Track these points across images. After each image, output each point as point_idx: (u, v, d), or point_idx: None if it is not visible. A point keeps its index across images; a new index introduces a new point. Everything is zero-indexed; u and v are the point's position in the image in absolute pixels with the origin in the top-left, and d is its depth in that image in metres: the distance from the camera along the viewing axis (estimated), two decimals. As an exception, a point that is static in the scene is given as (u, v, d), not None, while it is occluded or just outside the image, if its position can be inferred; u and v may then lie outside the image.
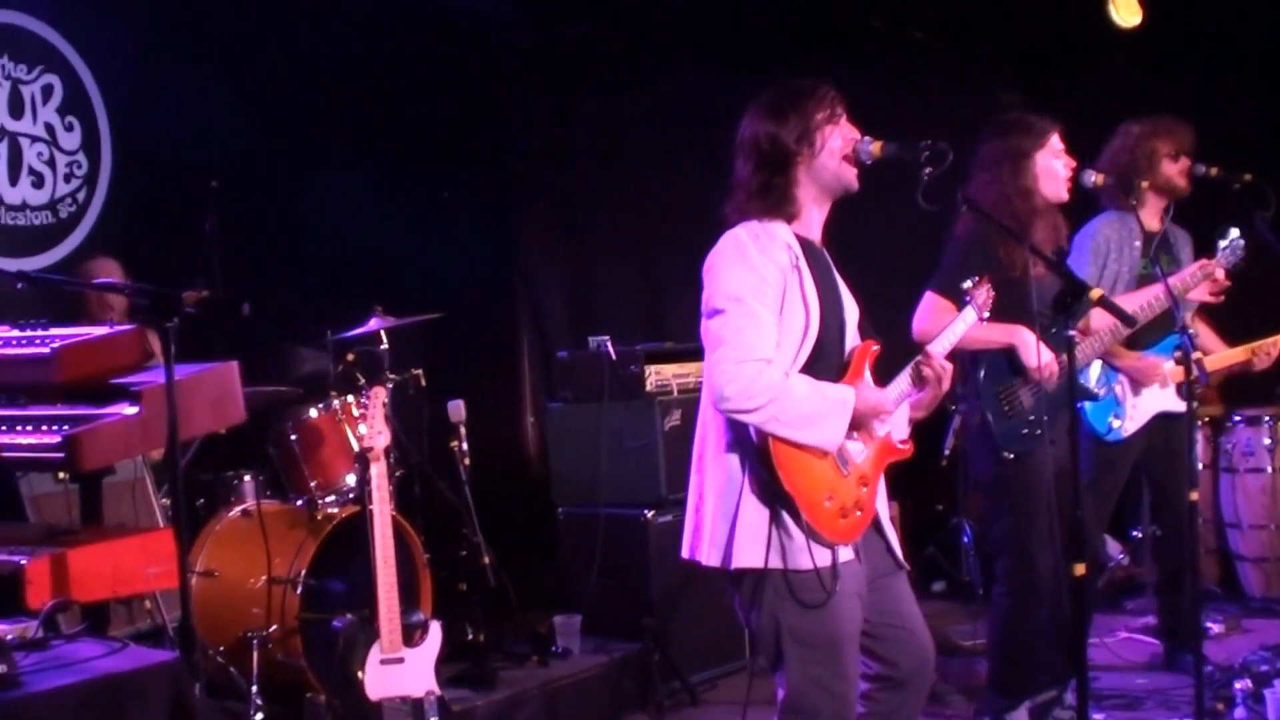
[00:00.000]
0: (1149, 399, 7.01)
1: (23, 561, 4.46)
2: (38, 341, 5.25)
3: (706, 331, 4.46)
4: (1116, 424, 7.02)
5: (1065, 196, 6.25)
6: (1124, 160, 6.98)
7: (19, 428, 5.05)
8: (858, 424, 4.45)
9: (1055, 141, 6.22)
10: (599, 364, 7.97)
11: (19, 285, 5.07)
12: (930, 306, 6.07)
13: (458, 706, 6.39)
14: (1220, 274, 6.75)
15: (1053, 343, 5.88)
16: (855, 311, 4.70)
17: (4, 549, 4.60)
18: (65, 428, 4.85)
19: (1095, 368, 7.01)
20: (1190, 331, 6.86)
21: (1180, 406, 6.94)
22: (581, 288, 10.47)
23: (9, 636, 3.95)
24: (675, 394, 7.97)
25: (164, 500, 7.01)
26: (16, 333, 5.41)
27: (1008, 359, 6.12)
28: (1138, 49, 9.75)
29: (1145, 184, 6.88)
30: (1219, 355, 7.11)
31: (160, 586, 5.39)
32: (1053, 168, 6.18)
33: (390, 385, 7.15)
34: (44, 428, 4.97)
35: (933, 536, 9.91)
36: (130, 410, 4.84)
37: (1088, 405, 6.97)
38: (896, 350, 4.79)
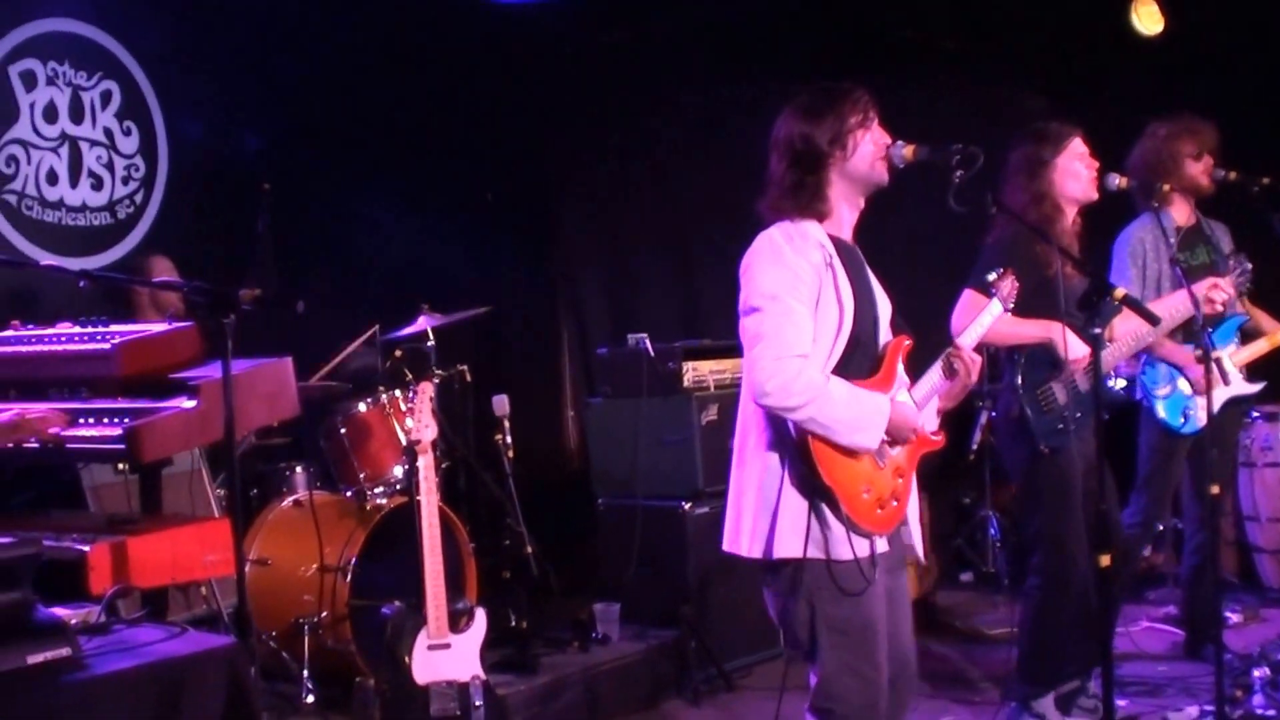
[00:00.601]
0: (1219, 388, 6.97)
1: (85, 549, 4.54)
2: (99, 338, 5.40)
3: (744, 329, 4.53)
4: (1191, 414, 7.07)
5: (1094, 196, 6.33)
6: (1149, 161, 7.09)
7: (81, 420, 5.15)
8: (889, 436, 4.52)
9: (1077, 145, 6.32)
10: (638, 361, 8.08)
11: (81, 284, 5.14)
12: (967, 303, 6.13)
13: (501, 690, 6.44)
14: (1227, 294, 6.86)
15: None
16: (888, 308, 4.76)
17: (67, 537, 4.68)
18: (126, 420, 4.96)
19: (1161, 367, 7.12)
20: (1245, 317, 7.07)
21: (1250, 389, 7.14)
22: (620, 286, 10.58)
23: (73, 621, 4.01)
24: (712, 390, 8.06)
25: (219, 491, 7.21)
26: (78, 329, 5.55)
27: (1044, 356, 6.21)
28: (1159, 56, 9.79)
29: (1168, 186, 6.94)
30: (1251, 347, 7.24)
31: (217, 574, 5.47)
32: (1076, 170, 6.28)
33: (437, 381, 7.29)
34: (105, 420, 5.08)
35: (960, 529, 10.00)
36: (189, 404, 4.96)
37: (1159, 401, 7.10)
38: (928, 346, 4.86)
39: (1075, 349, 6.01)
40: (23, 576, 3.76)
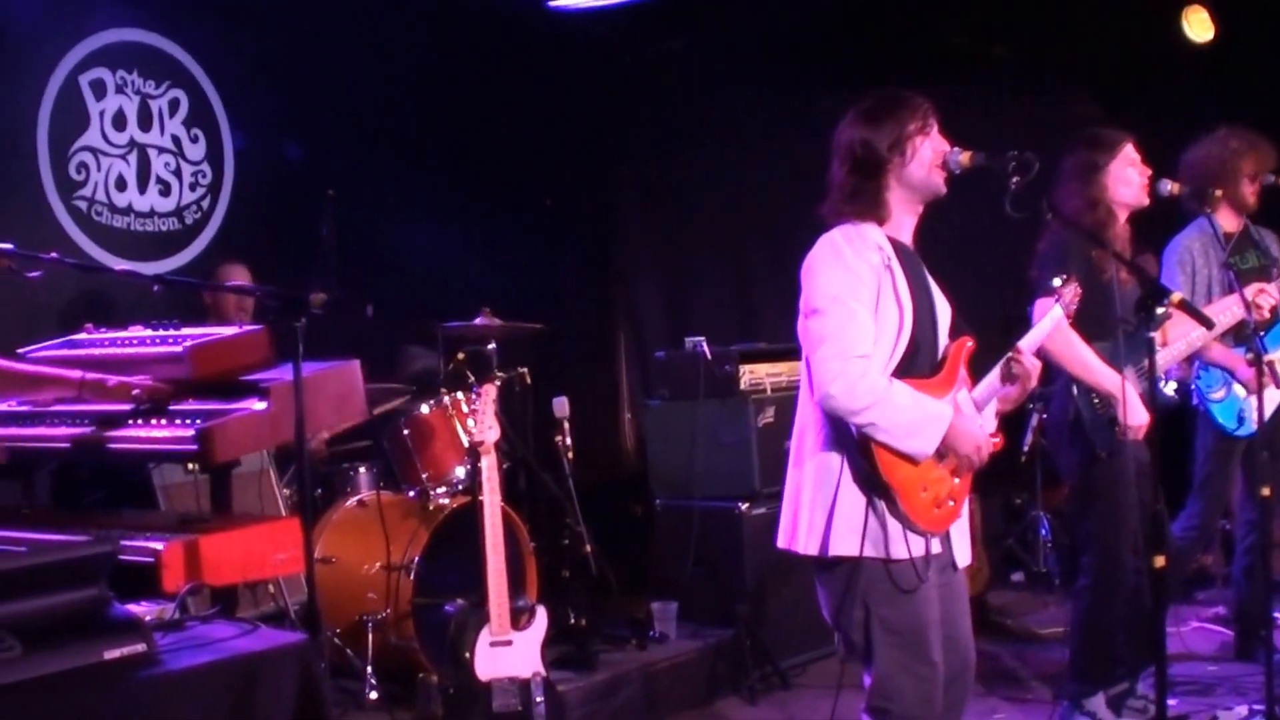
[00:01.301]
0: (1270, 391, 6.98)
1: (159, 547, 4.59)
2: (170, 341, 5.47)
3: (806, 331, 4.60)
4: (1247, 417, 7.10)
5: (1145, 201, 6.36)
6: (1208, 165, 7.12)
7: (154, 421, 5.21)
8: (948, 449, 4.55)
9: (1130, 151, 6.35)
10: (695, 363, 8.14)
11: (155, 288, 5.23)
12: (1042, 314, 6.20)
13: (561, 687, 6.49)
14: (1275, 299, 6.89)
15: (1134, 346, 6.01)
16: (948, 311, 4.81)
17: (141, 536, 4.73)
18: (198, 422, 5.01)
19: (1215, 371, 7.17)
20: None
21: None
22: (677, 290, 10.65)
23: (147, 617, 4.06)
24: (769, 392, 8.11)
25: (285, 490, 7.32)
26: (150, 332, 5.63)
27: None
28: (1210, 63, 9.82)
29: (1220, 193, 6.98)
30: None
31: (286, 572, 5.56)
32: (1128, 175, 6.31)
33: (498, 383, 7.39)
34: (178, 422, 5.13)
35: (1011, 529, 10.03)
36: (259, 406, 5.02)
37: (1215, 405, 7.14)
38: (983, 350, 4.94)
39: (1135, 413, 6.00)
40: (100, 574, 3.80)
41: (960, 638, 4.77)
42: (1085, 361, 6.07)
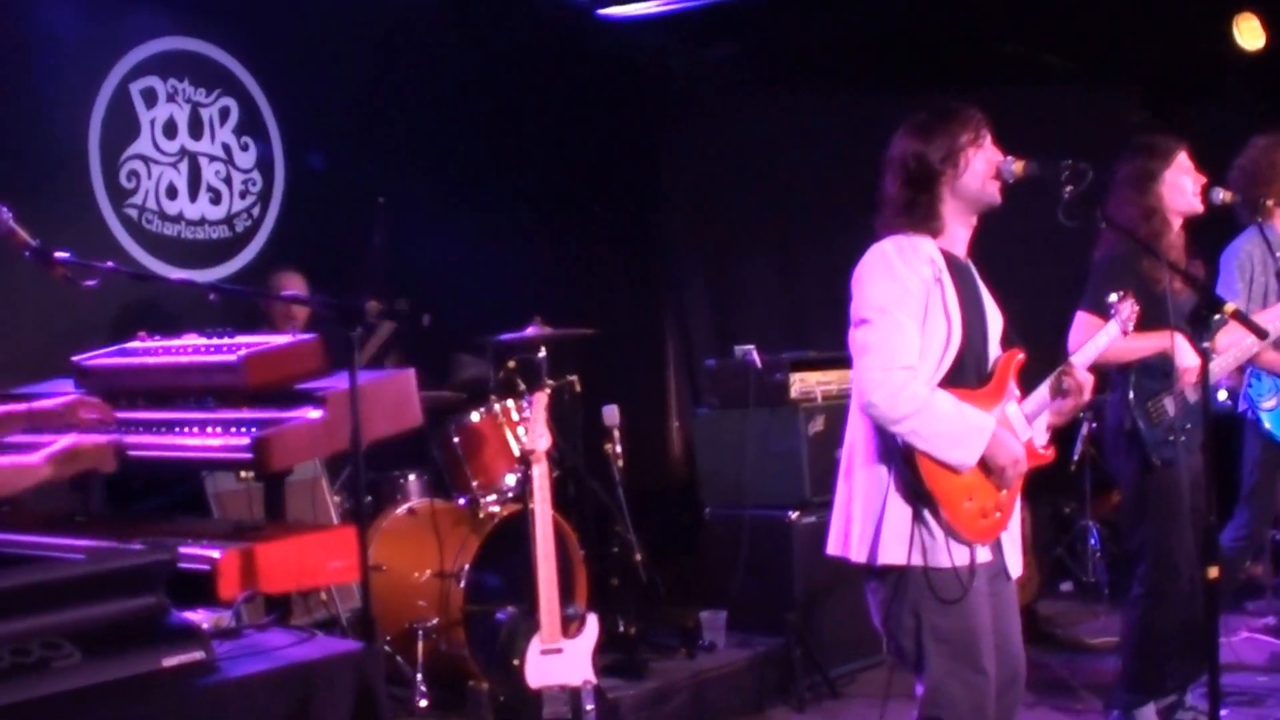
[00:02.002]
0: None
1: (216, 555, 4.52)
2: (225, 349, 5.43)
3: (853, 341, 4.61)
4: None
5: (1199, 208, 6.33)
6: (1249, 174, 7.05)
7: (209, 430, 5.20)
8: (988, 460, 4.55)
9: (1184, 159, 6.32)
10: (745, 372, 8.15)
11: (211, 297, 5.26)
12: (1081, 325, 6.15)
13: (611, 695, 6.50)
14: None
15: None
16: (1000, 322, 4.83)
17: (196, 543, 4.66)
18: (254, 430, 4.99)
19: (1267, 380, 7.14)
20: None
21: None
22: (725, 297, 10.66)
23: (204, 625, 4.05)
24: (819, 401, 8.12)
25: (336, 498, 7.35)
26: (204, 340, 5.62)
27: (1156, 368, 6.21)
28: (1261, 71, 9.76)
29: (1271, 200, 6.92)
30: None
31: (342, 580, 5.57)
32: (1181, 184, 6.28)
33: (549, 390, 7.39)
34: (233, 430, 5.11)
35: (1061, 538, 9.98)
36: (315, 414, 4.99)
37: (1265, 414, 7.10)
38: (1035, 361, 4.91)
39: (1186, 357, 6.03)
40: (158, 581, 3.81)
41: (1011, 646, 4.78)
42: (1130, 345, 5.97)
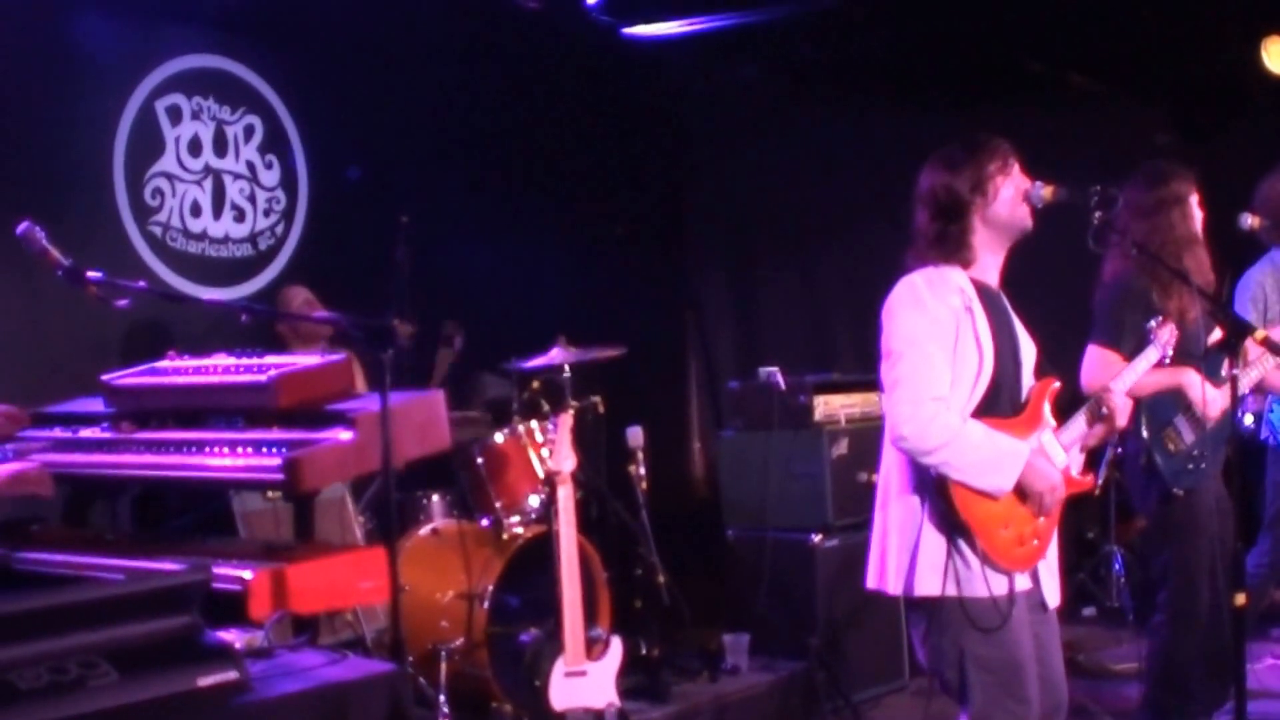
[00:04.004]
0: None
1: (247, 575, 4.55)
2: (255, 369, 5.44)
3: (884, 374, 4.63)
4: None
5: (1198, 234, 6.23)
6: (1272, 199, 7.05)
7: (239, 450, 5.20)
8: (1025, 491, 4.57)
9: (1183, 186, 6.24)
10: (769, 394, 8.14)
11: (243, 318, 5.26)
12: (1095, 360, 6.14)
13: (634, 718, 6.52)
14: None
15: (1214, 382, 6.00)
16: (1033, 352, 4.84)
17: (228, 563, 4.69)
18: (284, 451, 4.99)
19: None
20: None
21: None
22: (748, 319, 10.66)
23: (237, 645, 4.07)
24: (843, 424, 8.08)
25: (360, 518, 7.35)
26: (234, 360, 5.63)
27: (1167, 398, 6.19)
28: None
29: None
30: None
31: (372, 600, 5.58)
32: (1184, 211, 6.22)
33: (573, 412, 7.38)
34: (264, 450, 5.11)
35: (1084, 563, 9.95)
36: (345, 435, 4.98)
37: None
38: (1069, 391, 4.92)
39: (1211, 399, 5.99)
40: (193, 601, 3.82)
41: (1053, 676, 4.79)
42: (1143, 383, 5.93)
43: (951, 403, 4.52)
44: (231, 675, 3.78)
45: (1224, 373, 5.09)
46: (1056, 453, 4.75)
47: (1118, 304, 6.17)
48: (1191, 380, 6.03)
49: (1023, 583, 4.64)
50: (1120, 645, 8.78)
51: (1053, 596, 4.81)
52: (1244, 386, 6.59)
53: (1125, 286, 6.21)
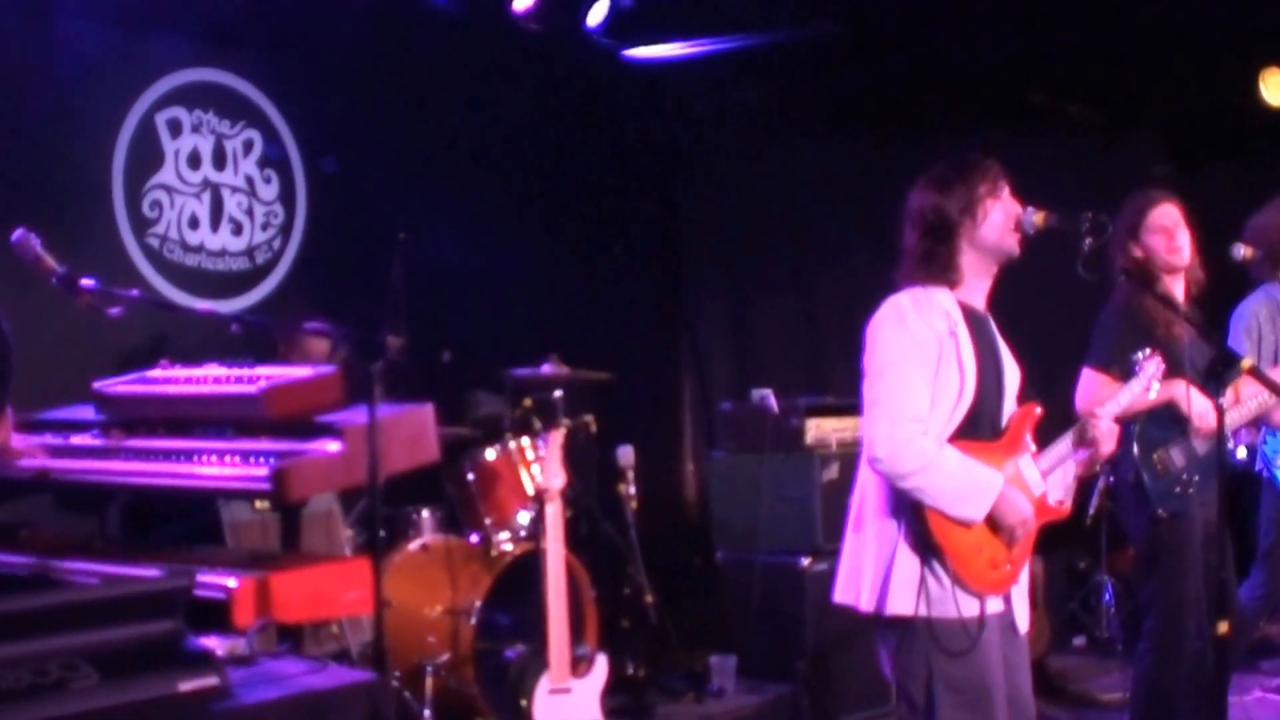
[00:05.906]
0: None
1: (232, 583, 4.57)
2: (245, 380, 5.48)
3: (864, 393, 4.64)
4: None
5: (1183, 264, 6.24)
6: (1266, 230, 7.04)
7: (228, 459, 5.23)
8: (998, 523, 4.55)
9: (1166, 211, 6.27)
10: (761, 416, 8.17)
11: (234, 328, 5.28)
12: (1089, 382, 6.16)
13: (618, 738, 6.55)
14: None
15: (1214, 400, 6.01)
16: (1017, 376, 4.82)
17: (213, 571, 4.71)
18: (273, 461, 5.02)
19: None
20: None
21: None
22: (743, 341, 10.66)
23: (219, 652, 4.13)
24: (834, 448, 8.11)
25: (348, 531, 7.36)
26: (225, 371, 5.66)
27: (1162, 418, 6.18)
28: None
29: None
30: None
31: (356, 612, 5.60)
32: (1162, 239, 6.24)
33: (564, 430, 7.41)
34: (252, 460, 5.14)
35: (1074, 593, 9.92)
36: (333, 447, 5.01)
37: None
38: (1056, 417, 4.92)
39: (1199, 407, 6.02)
40: (176, 607, 3.87)
41: (1021, 698, 4.76)
42: (1144, 400, 5.95)
43: (930, 425, 4.51)
44: (212, 681, 3.83)
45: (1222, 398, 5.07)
46: (1034, 478, 4.73)
47: (1111, 328, 6.19)
48: (1180, 393, 6.03)
49: (995, 605, 4.62)
50: (1109, 675, 8.79)
51: (1023, 621, 4.79)
52: (1239, 421, 6.61)
53: (1119, 311, 6.24)
